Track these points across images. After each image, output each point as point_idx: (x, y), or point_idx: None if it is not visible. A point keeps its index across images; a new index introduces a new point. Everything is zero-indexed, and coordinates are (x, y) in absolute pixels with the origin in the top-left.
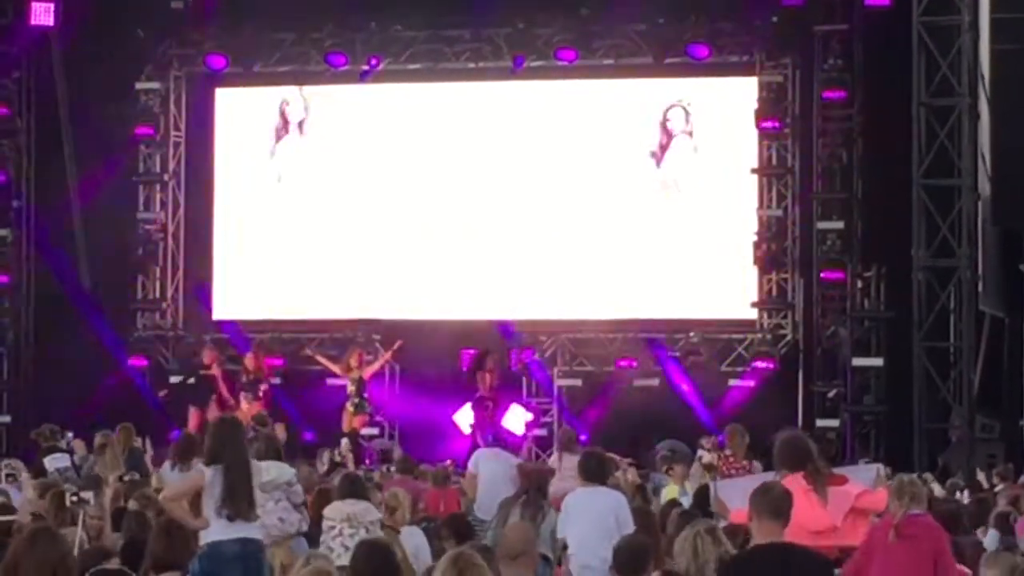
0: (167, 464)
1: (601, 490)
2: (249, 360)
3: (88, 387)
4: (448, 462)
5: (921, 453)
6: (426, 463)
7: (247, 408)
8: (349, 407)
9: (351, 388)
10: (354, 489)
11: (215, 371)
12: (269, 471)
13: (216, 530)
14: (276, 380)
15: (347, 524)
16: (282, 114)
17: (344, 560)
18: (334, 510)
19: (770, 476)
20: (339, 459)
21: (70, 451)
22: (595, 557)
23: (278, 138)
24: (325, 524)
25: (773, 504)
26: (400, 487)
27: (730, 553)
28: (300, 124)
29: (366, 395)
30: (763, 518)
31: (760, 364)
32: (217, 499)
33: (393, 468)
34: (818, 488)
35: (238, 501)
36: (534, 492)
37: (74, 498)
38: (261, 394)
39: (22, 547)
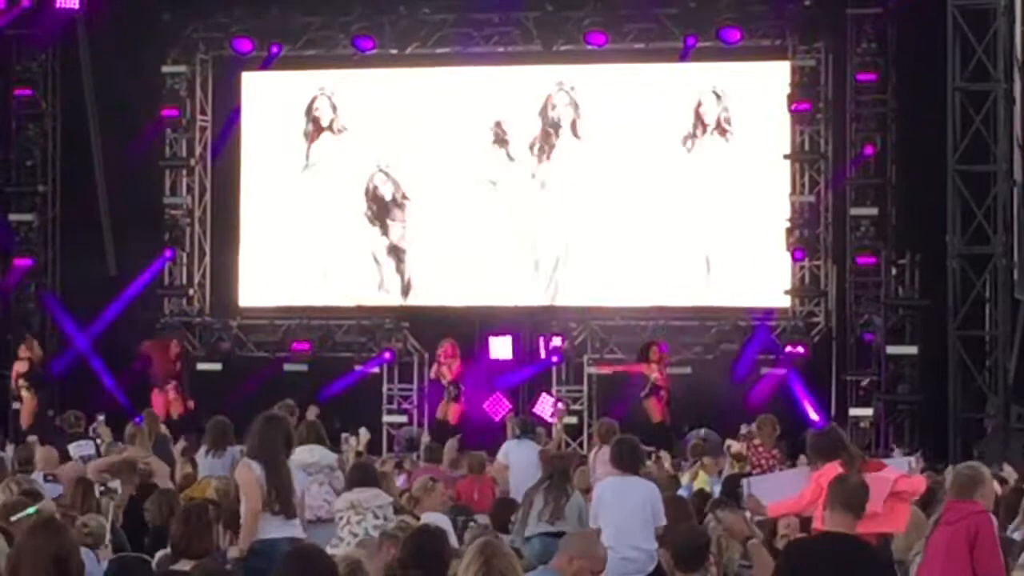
0: (201, 450)
1: (634, 480)
2: (174, 346)
3: (113, 372)
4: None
5: (956, 443)
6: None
7: (173, 398)
8: (445, 397)
9: (444, 382)
10: (363, 477)
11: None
12: (313, 453)
13: (273, 527)
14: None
15: (353, 512)
16: (312, 118)
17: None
18: (342, 500)
19: (805, 469)
20: (360, 449)
21: (95, 438)
22: (633, 548)
23: (309, 140)
24: (336, 516)
25: (845, 496)
26: (425, 475)
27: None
28: (331, 124)
29: (460, 385)
30: (835, 509)
31: (790, 349)
32: (267, 496)
33: (420, 456)
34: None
35: (282, 497)
36: (558, 477)
37: (102, 488)
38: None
39: (23, 539)
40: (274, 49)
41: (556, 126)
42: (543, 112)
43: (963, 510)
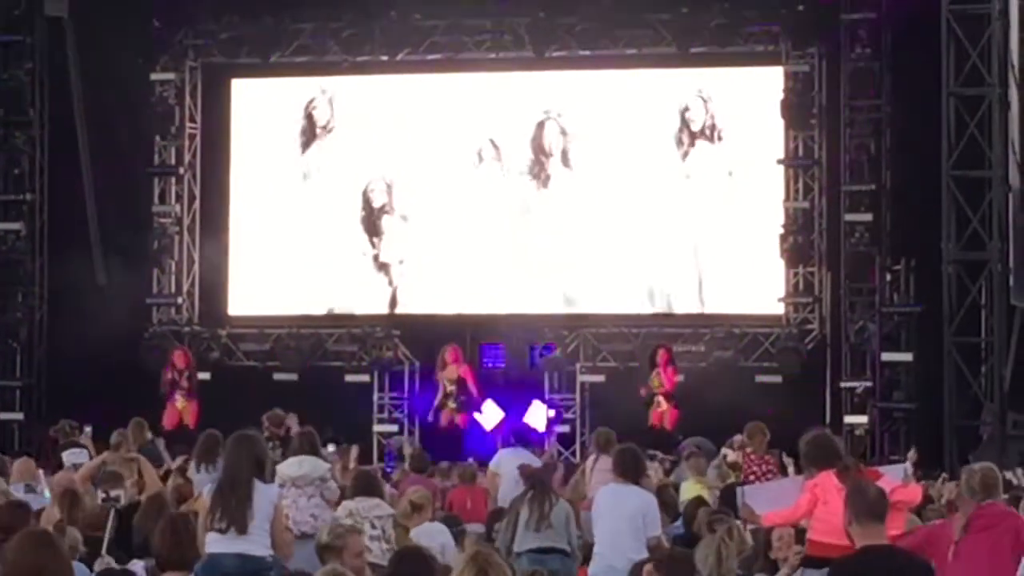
0: (192, 464)
1: (633, 489)
2: (179, 357)
3: (101, 383)
4: (470, 460)
5: (952, 451)
6: (445, 461)
7: (181, 406)
8: (451, 404)
9: (450, 387)
10: (365, 487)
11: None
12: (302, 465)
13: (212, 542)
14: (206, 376)
15: (351, 520)
16: (309, 117)
17: None
18: (341, 508)
19: (799, 478)
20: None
21: (87, 446)
22: (623, 558)
23: (306, 141)
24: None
25: (870, 506)
26: (415, 485)
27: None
28: (327, 126)
29: (467, 391)
30: (863, 521)
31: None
32: (210, 514)
33: (407, 466)
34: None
35: (228, 513)
36: (539, 488)
37: (102, 495)
38: (193, 392)
39: (14, 552)
40: (264, 56)
41: (549, 132)
42: (536, 118)
43: (996, 513)
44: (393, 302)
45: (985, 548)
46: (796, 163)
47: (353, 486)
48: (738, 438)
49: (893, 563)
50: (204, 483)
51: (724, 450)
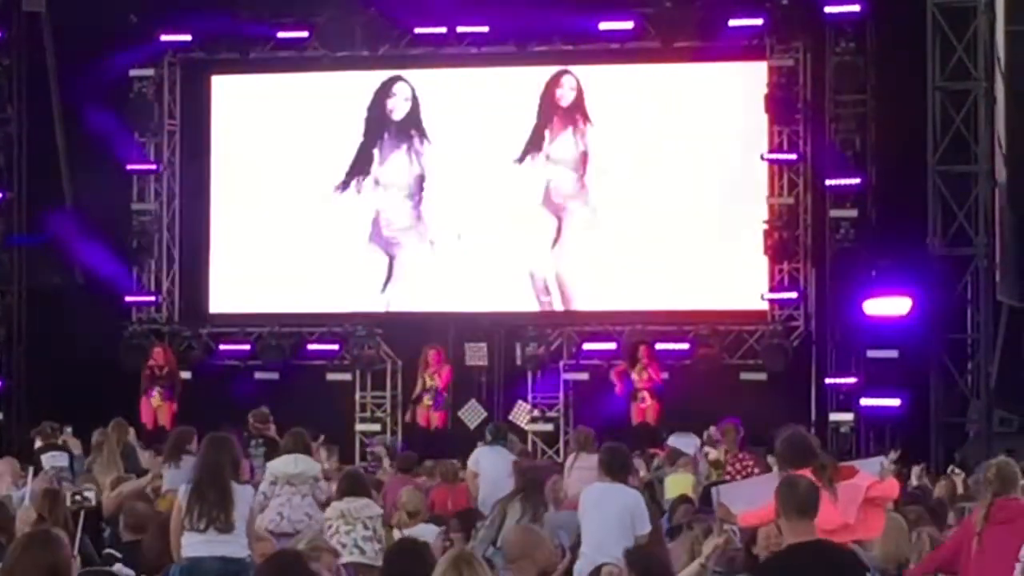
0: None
1: (617, 487)
2: (159, 354)
3: (81, 383)
4: (455, 461)
5: (938, 448)
6: (429, 460)
7: (158, 405)
8: (427, 401)
9: (428, 384)
10: (354, 487)
11: None
12: (297, 463)
13: (191, 544)
14: (187, 375)
15: (342, 521)
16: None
17: (343, 557)
18: (331, 509)
19: (776, 475)
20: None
21: (68, 449)
22: (610, 557)
23: (288, 133)
24: (325, 524)
25: (798, 501)
26: (404, 486)
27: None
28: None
29: (444, 391)
30: (790, 517)
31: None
32: (186, 515)
33: (392, 466)
34: (826, 484)
35: (206, 513)
36: (531, 489)
37: (77, 497)
38: (174, 390)
39: (18, 551)
40: (244, 51)
41: (531, 128)
42: (519, 113)
43: (1014, 506)
44: (380, 297)
45: (1008, 541)
46: (780, 158)
47: (341, 487)
48: (712, 430)
49: (821, 558)
50: (174, 480)
51: (706, 448)
